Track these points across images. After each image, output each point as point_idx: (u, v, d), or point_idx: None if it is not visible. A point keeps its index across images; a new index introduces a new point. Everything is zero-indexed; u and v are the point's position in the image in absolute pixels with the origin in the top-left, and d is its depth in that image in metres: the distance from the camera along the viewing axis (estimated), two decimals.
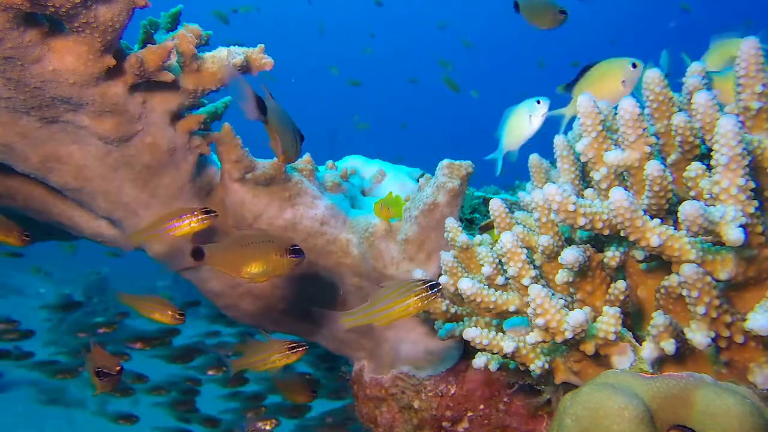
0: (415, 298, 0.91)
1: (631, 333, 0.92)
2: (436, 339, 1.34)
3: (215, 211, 1.06)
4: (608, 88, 1.15)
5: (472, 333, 0.94)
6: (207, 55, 1.15)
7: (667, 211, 0.90)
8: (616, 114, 0.95)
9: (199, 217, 1.04)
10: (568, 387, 0.99)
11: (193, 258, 1.01)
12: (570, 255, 0.86)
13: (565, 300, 0.94)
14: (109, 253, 4.42)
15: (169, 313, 1.24)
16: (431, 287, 0.91)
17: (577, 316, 0.82)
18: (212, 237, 1.37)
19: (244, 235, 1.08)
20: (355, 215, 1.36)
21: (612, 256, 0.97)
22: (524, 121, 1.20)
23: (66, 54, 0.99)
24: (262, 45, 1.19)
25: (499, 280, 1.00)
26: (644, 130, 0.91)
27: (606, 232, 0.87)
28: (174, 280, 6.83)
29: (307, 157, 1.36)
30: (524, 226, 1.05)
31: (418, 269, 1.16)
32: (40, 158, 1.15)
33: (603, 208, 0.86)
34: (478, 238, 1.14)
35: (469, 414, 1.32)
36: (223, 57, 1.15)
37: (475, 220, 1.50)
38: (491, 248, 1.03)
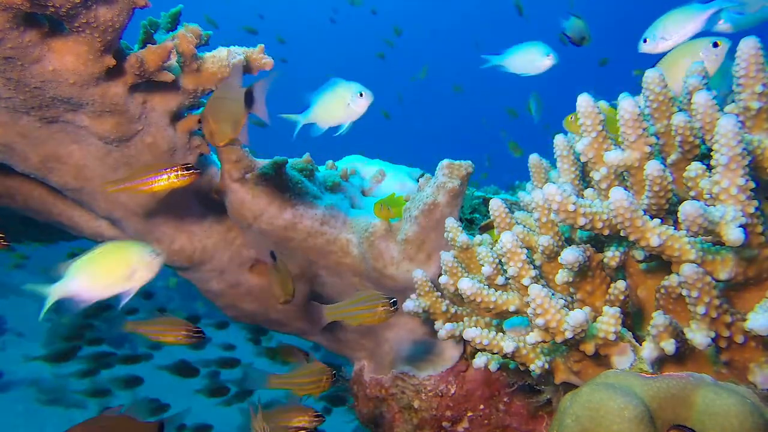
0: (381, 309, 1.03)
1: (631, 333, 0.92)
2: (436, 339, 1.34)
3: (199, 169, 1.00)
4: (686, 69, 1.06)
5: (472, 333, 0.94)
6: (207, 55, 1.15)
7: (667, 211, 0.90)
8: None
9: (179, 173, 0.96)
10: (568, 387, 0.99)
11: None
12: (570, 255, 0.86)
13: (565, 300, 0.94)
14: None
15: (183, 332, 1.13)
16: (393, 303, 1.05)
17: (577, 316, 0.82)
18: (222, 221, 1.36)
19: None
20: (355, 215, 1.36)
21: (612, 256, 0.97)
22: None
23: (66, 54, 0.99)
24: (262, 45, 1.19)
25: (499, 280, 1.00)
26: (644, 130, 0.91)
27: (606, 232, 0.87)
28: None
29: (306, 156, 1.36)
30: (524, 226, 1.05)
31: (418, 269, 1.16)
32: (40, 158, 1.15)
33: (603, 208, 0.86)
34: (478, 238, 1.14)
35: (469, 414, 1.32)
36: (223, 57, 1.15)
37: (475, 220, 1.50)
38: (491, 248, 1.03)
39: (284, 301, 1.17)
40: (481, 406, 1.31)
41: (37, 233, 1.68)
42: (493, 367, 1.06)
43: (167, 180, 0.97)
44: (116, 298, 0.93)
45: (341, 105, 1.06)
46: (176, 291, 6.86)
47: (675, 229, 0.82)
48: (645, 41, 1.10)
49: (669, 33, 1.08)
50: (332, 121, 1.06)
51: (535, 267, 0.95)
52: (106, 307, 2.95)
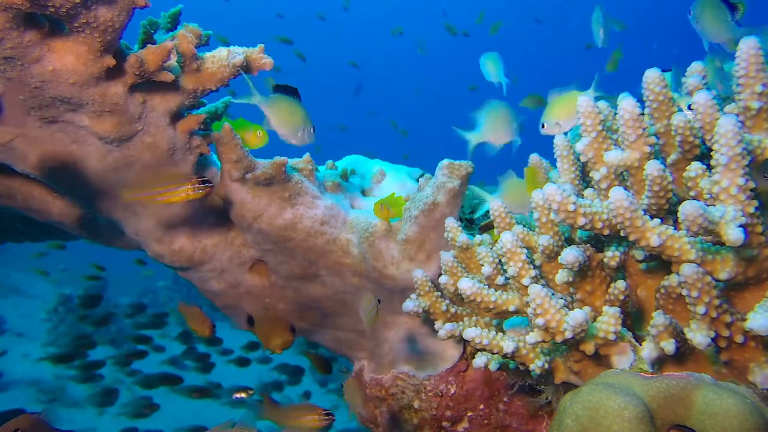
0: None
1: (631, 333, 0.92)
2: (436, 339, 1.34)
3: (212, 183, 1.04)
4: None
5: (472, 333, 0.94)
6: (207, 55, 1.15)
7: (667, 211, 0.90)
8: (616, 114, 0.95)
9: (196, 186, 1.02)
10: (568, 387, 0.99)
11: (248, 324, 1.30)
12: (570, 255, 0.86)
13: (565, 300, 0.94)
14: (86, 276, 4.02)
15: (207, 326, 1.38)
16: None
17: (577, 315, 0.82)
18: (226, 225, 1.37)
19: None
20: (355, 215, 1.36)
21: (612, 256, 0.97)
22: None
23: (66, 54, 0.99)
24: (262, 45, 1.19)
25: (499, 280, 1.00)
26: (644, 130, 0.91)
27: (606, 232, 0.87)
28: (174, 280, 6.84)
29: (307, 156, 1.36)
30: (524, 226, 1.05)
31: (418, 269, 1.16)
32: (40, 158, 1.15)
33: (603, 208, 0.86)
34: (478, 238, 1.14)
35: (469, 414, 1.32)
36: (223, 57, 1.15)
37: (475, 220, 1.50)
38: (491, 248, 1.03)
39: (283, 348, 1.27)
40: (481, 406, 1.31)
41: (37, 233, 1.68)
42: (493, 367, 1.05)
43: (185, 194, 1.01)
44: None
45: (511, 124, 1.15)
46: (176, 291, 6.86)
47: (675, 229, 0.82)
48: (543, 126, 1.17)
49: (562, 119, 1.16)
50: (504, 139, 1.16)
51: (535, 267, 0.95)
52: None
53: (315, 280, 1.39)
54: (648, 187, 0.87)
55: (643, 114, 0.92)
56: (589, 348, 0.88)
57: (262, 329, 1.27)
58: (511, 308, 0.97)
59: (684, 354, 0.87)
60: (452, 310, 1.13)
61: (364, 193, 1.53)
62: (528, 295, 0.87)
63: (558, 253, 0.94)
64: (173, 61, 1.15)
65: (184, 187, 1.00)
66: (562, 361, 0.97)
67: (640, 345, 0.90)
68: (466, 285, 0.94)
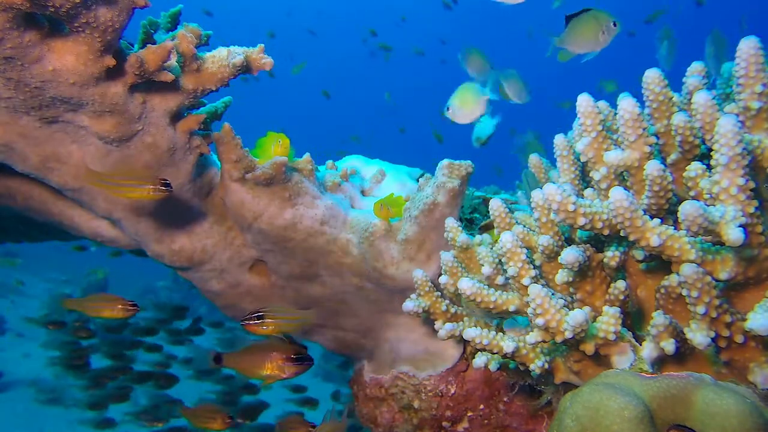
0: None
1: (631, 333, 0.92)
2: (436, 339, 1.34)
3: (172, 187, 1.09)
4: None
5: (472, 333, 0.94)
6: (207, 55, 1.15)
7: (667, 211, 0.90)
8: (616, 114, 0.95)
9: (158, 187, 1.06)
10: (568, 387, 0.99)
11: (215, 362, 1.22)
12: (570, 255, 0.86)
13: (565, 300, 0.94)
14: (113, 253, 4.22)
15: (119, 306, 1.28)
16: None
17: (577, 315, 0.82)
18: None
19: (256, 344, 1.24)
20: (355, 215, 1.36)
21: (612, 256, 0.97)
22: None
23: (66, 54, 0.99)
24: (262, 45, 1.19)
25: (499, 280, 1.00)
26: (644, 129, 0.91)
27: (606, 232, 0.87)
28: (174, 281, 6.84)
29: (306, 156, 1.36)
30: (524, 226, 1.05)
31: (418, 269, 1.16)
32: (40, 158, 1.15)
33: (603, 208, 0.86)
34: (478, 238, 1.14)
35: (469, 414, 1.32)
36: (223, 57, 1.15)
37: (475, 220, 1.50)
38: (491, 248, 1.04)
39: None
40: (481, 406, 1.31)
41: (37, 233, 1.69)
42: (493, 367, 1.06)
43: (147, 193, 1.06)
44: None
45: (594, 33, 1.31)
46: (176, 291, 6.87)
47: (675, 229, 0.82)
48: (447, 109, 1.36)
49: (463, 108, 1.36)
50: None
51: (535, 267, 0.95)
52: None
53: (315, 280, 1.39)
54: (648, 187, 0.87)
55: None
56: (589, 348, 0.89)
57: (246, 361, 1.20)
58: (511, 308, 0.97)
59: (684, 354, 0.87)
60: (452, 310, 1.14)
61: (364, 193, 1.53)
62: (528, 295, 0.87)
63: (558, 253, 0.94)
64: (173, 61, 1.15)
65: (145, 186, 1.05)
66: (562, 361, 0.97)
67: (640, 345, 0.90)
68: (466, 285, 0.94)
